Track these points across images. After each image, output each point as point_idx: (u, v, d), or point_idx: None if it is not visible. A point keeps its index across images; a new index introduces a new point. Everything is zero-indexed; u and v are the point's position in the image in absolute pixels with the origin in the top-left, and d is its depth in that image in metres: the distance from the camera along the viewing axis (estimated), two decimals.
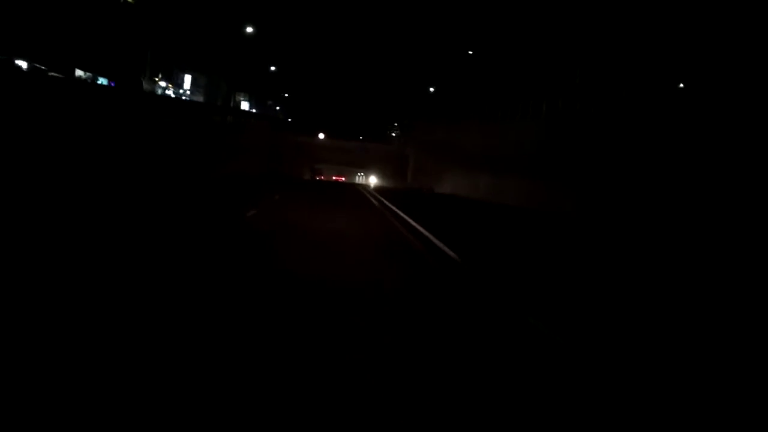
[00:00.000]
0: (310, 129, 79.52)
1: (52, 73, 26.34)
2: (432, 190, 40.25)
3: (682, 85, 18.49)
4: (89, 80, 35.02)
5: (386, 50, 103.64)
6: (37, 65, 27.83)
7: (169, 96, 49.09)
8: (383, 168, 64.93)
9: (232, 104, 57.29)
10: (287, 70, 76.08)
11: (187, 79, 56.53)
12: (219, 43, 55.73)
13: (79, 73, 35.03)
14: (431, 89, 59.18)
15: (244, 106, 70.15)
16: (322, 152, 67.86)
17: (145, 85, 43.98)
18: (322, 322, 5.51)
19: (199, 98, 58.84)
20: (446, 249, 9.57)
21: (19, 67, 25.38)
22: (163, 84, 51.72)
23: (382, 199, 23.75)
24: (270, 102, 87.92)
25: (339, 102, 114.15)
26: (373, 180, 70.02)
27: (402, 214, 16.09)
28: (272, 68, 59.82)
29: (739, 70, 15.14)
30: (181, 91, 55.93)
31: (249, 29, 43.30)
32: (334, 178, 72.58)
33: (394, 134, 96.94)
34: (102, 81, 36.69)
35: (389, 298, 6.92)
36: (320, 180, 63.39)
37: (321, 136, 70.30)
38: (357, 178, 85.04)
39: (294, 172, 61.45)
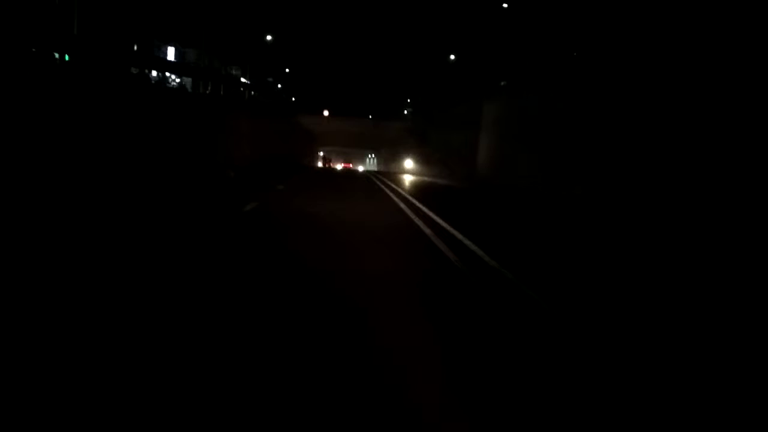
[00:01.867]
0: (314, 108, 71.82)
1: None
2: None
3: None
4: None
5: (396, 14, 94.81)
6: None
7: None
8: (405, 151, 54.66)
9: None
10: (287, 42, 68.23)
11: (171, 51, 48.92)
12: (208, 9, 48.07)
13: None
14: (452, 56, 51.21)
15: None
16: (328, 133, 59.83)
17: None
18: None
19: (187, 77, 51.51)
20: None
21: None
22: None
23: None
24: (270, 79, 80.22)
25: (346, 77, 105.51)
26: (408, 166, 53.60)
27: None
28: (268, 37, 51.98)
29: None
30: None
31: None
32: (342, 165, 64.78)
33: (405, 111, 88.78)
34: None
35: None
36: (328, 168, 55.64)
37: (325, 113, 62.38)
38: (368, 161, 77.11)
39: (299, 157, 54.09)
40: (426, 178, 40.33)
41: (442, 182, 34.55)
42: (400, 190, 23.63)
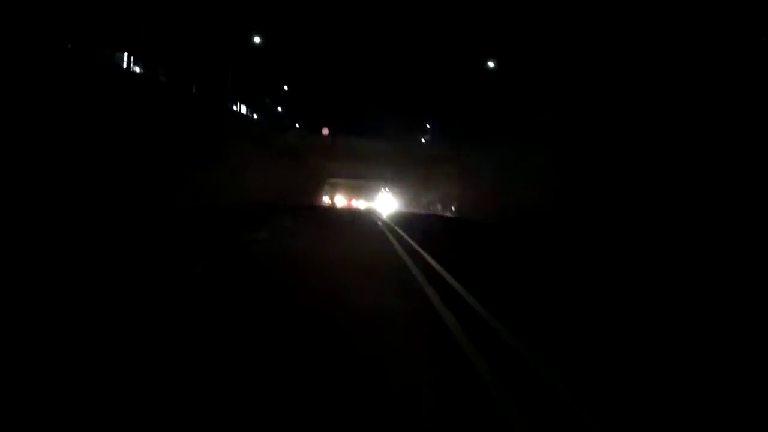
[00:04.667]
0: (314, 129, 60.36)
1: None
2: None
3: None
4: None
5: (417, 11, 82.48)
6: None
7: None
8: (439, 188, 42.16)
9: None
10: (286, 51, 57.30)
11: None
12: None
13: None
14: (490, 64, 39.81)
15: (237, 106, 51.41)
16: (329, 160, 48.22)
17: None
18: None
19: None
20: None
21: None
22: None
23: None
24: (268, 100, 69.28)
25: (353, 98, 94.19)
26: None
27: None
28: (257, 39, 40.75)
29: None
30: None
31: None
32: (345, 202, 53.13)
33: (423, 139, 76.98)
34: None
35: None
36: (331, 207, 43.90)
37: (324, 131, 50.92)
38: (382, 198, 64.85)
39: (295, 194, 42.79)
40: None
41: None
42: None
